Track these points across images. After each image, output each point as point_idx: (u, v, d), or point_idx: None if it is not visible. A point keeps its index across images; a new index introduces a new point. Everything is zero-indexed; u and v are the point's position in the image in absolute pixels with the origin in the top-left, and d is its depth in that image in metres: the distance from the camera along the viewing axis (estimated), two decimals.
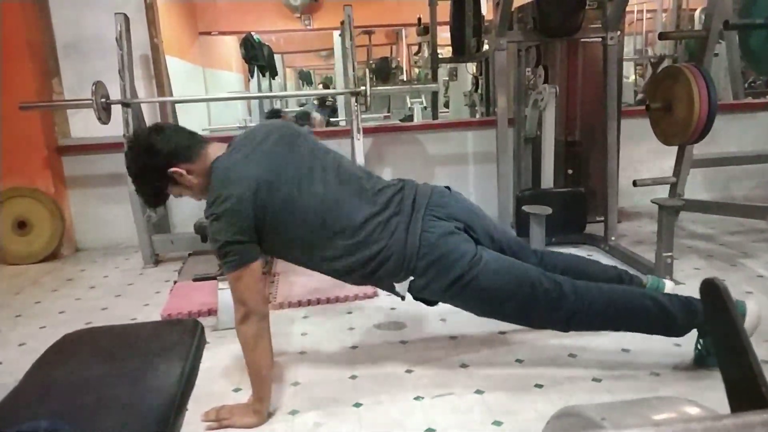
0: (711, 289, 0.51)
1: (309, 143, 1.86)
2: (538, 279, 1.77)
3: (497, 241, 1.89)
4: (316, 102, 8.30)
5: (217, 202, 1.63)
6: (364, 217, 1.72)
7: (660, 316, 1.77)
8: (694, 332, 1.86)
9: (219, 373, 2.03)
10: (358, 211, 1.73)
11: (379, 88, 4.53)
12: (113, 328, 1.36)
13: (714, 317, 0.51)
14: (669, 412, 0.55)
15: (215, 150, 1.77)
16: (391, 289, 1.80)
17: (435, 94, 5.75)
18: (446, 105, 7.50)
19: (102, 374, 0.99)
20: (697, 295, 1.82)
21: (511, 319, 1.89)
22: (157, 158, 1.70)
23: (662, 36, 3.80)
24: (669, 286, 2.02)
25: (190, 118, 6.05)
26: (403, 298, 1.81)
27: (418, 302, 1.88)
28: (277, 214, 1.67)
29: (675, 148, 3.43)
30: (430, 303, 1.87)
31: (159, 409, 0.91)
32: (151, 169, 1.71)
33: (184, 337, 1.11)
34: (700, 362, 1.88)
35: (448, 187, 1.98)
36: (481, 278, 1.73)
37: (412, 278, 1.74)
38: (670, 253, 2.64)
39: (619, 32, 3.15)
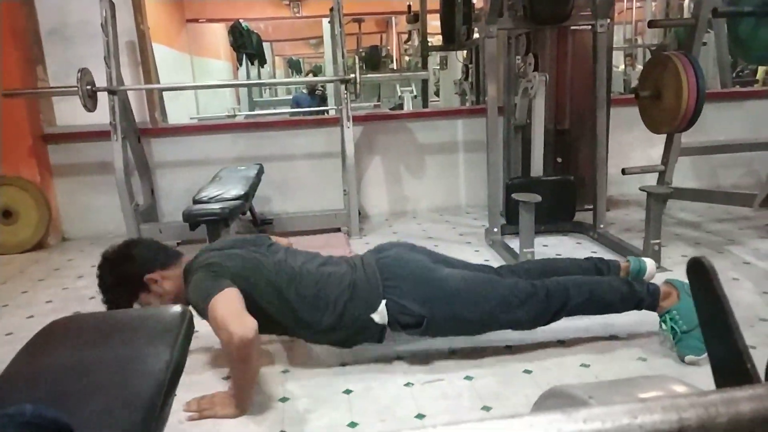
0: (698, 268, 0.51)
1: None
2: (507, 281, 1.93)
3: (460, 267, 2.04)
4: (305, 90, 8.24)
5: (198, 280, 1.73)
6: (330, 276, 1.86)
7: (626, 289, 1.92)
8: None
9: (208, 362, 2.03)
10: (324, 277, 1.85)
11: (368, 75, 4.50)
12: (101, 315, 1.35)
13: (701, 296, 0.51)
14: (655, 390, 0.55)
15: (189, 258, 1.90)
16: (373, 332, 1.84)
17: (425, 83, 5.74)
18: (437, 93, 7.48)
19: (89, 360, 0.98)
20: (683, 277, 1.85)
21: (491, 323, 1.90)
22: (134, 266, 1.82)
23: (651, 24, 3.82)
24: (650, 266, 2.10)
25: (178, 107, 6.00)
26: (381, 336, 1.86)
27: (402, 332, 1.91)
28: (255, 288, 1.77)
29: (664, 137, 3.45)
30: (417, 327, 1.85)
31: (146, 395, 0.90)
32: (128, 277, 1.81)
33: (172, 324, 1.10)
34: (681, 352, 1.86)
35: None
36: (450, 279, 1.86)
37: (385, 300, 1.81)
38: (657, 241, 2.66)
39: (608, 20, 3.15)
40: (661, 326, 1.92)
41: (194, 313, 1.40)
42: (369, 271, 1.87)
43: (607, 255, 2.95)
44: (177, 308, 1.14)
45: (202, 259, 1.81)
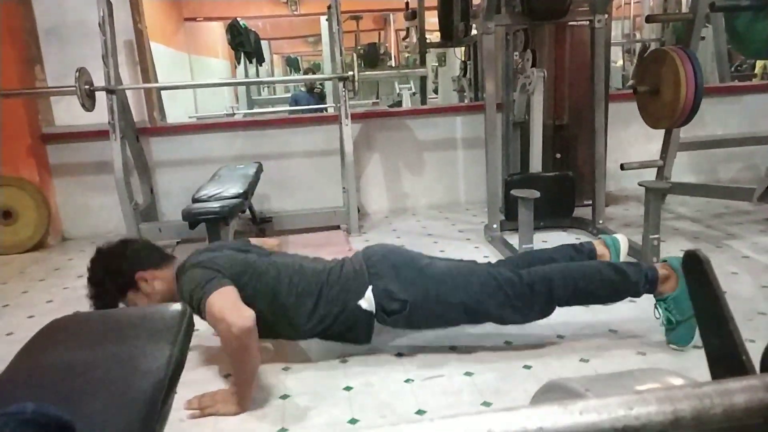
0: (693, 261, 0.51)
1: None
2: (492, 268, 1.95)
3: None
4: (303, 88, 8.23)
5: (193, 275, 1.74)
6: (320, 272, 1.91)
7: (616, 277, 1.85)
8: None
9: (209, 359, 2.04)
10: (314, 272, 1.91)
11: (367, 73, 4.50)
12: (101, 314, 1.35)
13: (696, 288, 0.52)
14: (652, 382, 0.56)
15: (181, 261, 1.90)
16: (362, 324, 1.86)
17: (423, 80, 5.73)
18: (435, 90, 7.48)
19: (90, 359, 0.99)
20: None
21: (476, 307, 1.87)
22: (127, 262, 1.83)
23: (649, 19, 3.81)
24: (623, 242, 2.11)
25: (177, 105, 6.00)
26: (369, 330, 1.88)
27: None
28: (249, 285, 1.79)
29: (662, 132, 3.45)
30: (402, 312, 1.85)
31: (147, 394, 0.91)
32: (119, 273, 1.81)
33: (172, 322, 1.10)
34: (670, 341, 1.90)
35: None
36: (432, 266, 1.91)
37: (371, 286, 1.84)
38: (657, 236, 2.66)
39: (606, 15, 3.15)
40: (656, 310, 1.91)
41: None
42: (356, 263, 1.93)
43: None
44: (177, 306, 1.14)
45: (195, 258, 1.84)
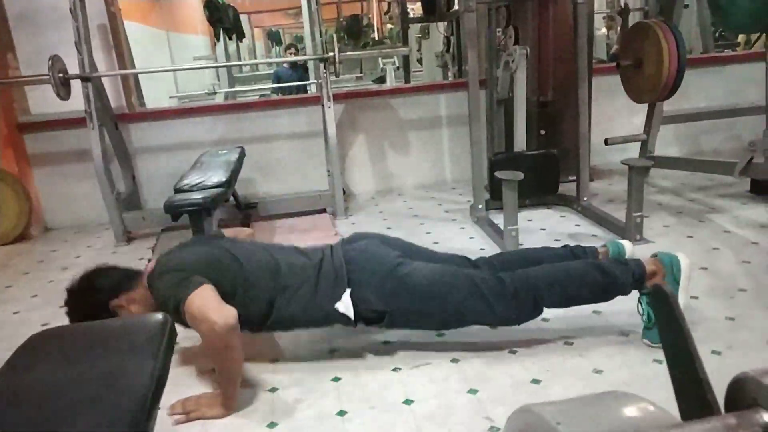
0: (660, 295, 0.51)
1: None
2: (475, 273, 1.86)
3: (433, 258, 2.01)
4: (286, 64, 8.09)
5: (166, 281, 1.71)
6: (297, 271, 1.85)
7: (603, 279, 1.82)
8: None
9: (192, 371, 1.97)
10: (290, 271, 1.85)
11: (348, 53, 4.43)
12: (80, 327, 1.34)
13: (663, 323, 0.52)
14: (624, 410, 0.57)
15: (150, 268, 1.86)
16: (336, 316, 1.81)
17: (406, 57, 5.66)
18: (419, 61, 7.39)
19: (72, 376, 0.98)
20: (665, 249, 1.83)
21: (458, 319, 1.87)
22: (99, 295, 1.78)
23: None
24: (629, 248, 2.06)
25: (156, 86, 5.89)
26: (353, 323, 1.82)
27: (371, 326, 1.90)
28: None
29: (647, 104, 3.45)
30: (380, 322, 1.85)
31: (131, 409, 0.91)
32: (95, 307, 1.74)
33: (154, 332, 1.10)
34: (645, 336, 1.89)
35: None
36: (415, 273, 1.82)
37: (350, 290, 1.80)
38: (640, 213, 2.68)
39: None
40: (639, 305, 1.89)
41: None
42: (336, 261, 1.87)
43: (591, 228, 2.99)
44: (158, 316, 1.13)
45: (164, 262, 1.80)
